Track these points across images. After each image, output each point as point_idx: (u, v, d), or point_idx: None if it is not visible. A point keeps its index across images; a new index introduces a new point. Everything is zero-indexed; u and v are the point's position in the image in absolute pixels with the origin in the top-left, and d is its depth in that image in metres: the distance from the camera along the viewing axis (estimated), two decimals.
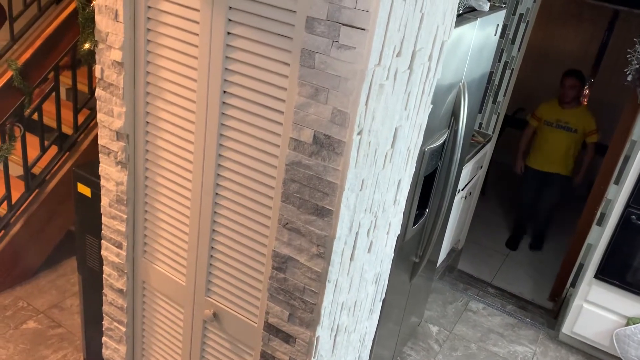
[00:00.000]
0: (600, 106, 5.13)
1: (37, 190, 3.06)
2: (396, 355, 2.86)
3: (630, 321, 2.93)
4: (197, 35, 1.48)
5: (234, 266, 1.68)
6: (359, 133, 1.35)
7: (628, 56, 3.30)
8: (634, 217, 2.74)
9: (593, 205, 3.33)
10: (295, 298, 1.56)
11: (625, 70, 3.29)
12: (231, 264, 1.69)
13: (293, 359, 1.64)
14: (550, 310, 3.61)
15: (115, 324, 2.10)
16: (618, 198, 2.87)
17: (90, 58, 1.88)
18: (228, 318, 1.76)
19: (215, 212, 1.65)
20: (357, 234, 1.59)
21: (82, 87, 3.16)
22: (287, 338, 1.63)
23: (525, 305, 3.60)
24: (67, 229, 3.19)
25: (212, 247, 1.71)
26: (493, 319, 3.32)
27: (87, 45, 2.07)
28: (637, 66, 3.22)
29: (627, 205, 2.77)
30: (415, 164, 1.90)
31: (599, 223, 3.19)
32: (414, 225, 2.24)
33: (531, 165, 4.23)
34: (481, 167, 3.72)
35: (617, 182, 3.06)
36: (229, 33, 1.43)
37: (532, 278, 4.00)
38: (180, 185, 1.71)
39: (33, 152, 3.00)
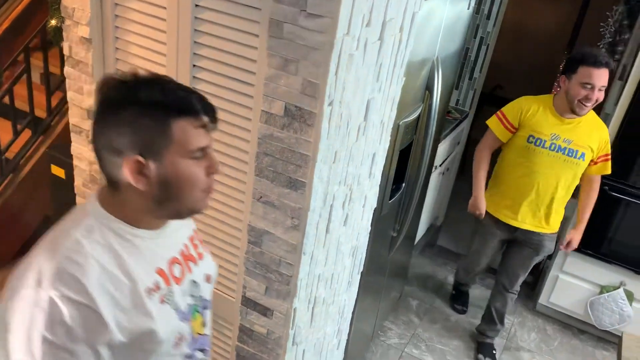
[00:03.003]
0: None
1: (11, 175, 3.01)
2: (377, 329, 2.90)
3: (603, 290, 3.01)
4: (165, 8, 1.46)
5: (210, 242, 1.69)
6: (330, 104, 1.35)
7: (601, 30, 3.35)
8: (607, 187, 2.79)
9: None
10: (272, 271, 1.58)
11: (599, 44, 3.33)
12: (207, 240, 1.69)
13: (271, 332, 1.66)
14: (527, 282, 3.68)
15: None
16: None
17: (59, 37, 1.84)
18: None
19: None
20: (331, 206, 1.60)
21: (55, 69, 3.10)
22: (265, 311, 1.64)
23: None
24: (44, 214, 3.16)
25: None
26: (472, 292, 3.38)
27: (53, 22, 2.03)
28: (610, 40, 3.27)
29: (601, 177, 2.82)
30: (389, 138, 1.91)
31: (574, 195, 3.24)
32: (390, 199, 2.26)
33: (495, 215, 2.63)
34: (458, 143, 3.75)
35: None
36: (196, 5, 1.41)
37: None
38: None
39: (6, 136, 2.95)
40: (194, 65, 1.49)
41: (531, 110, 2.47)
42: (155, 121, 0.92)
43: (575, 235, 2.63)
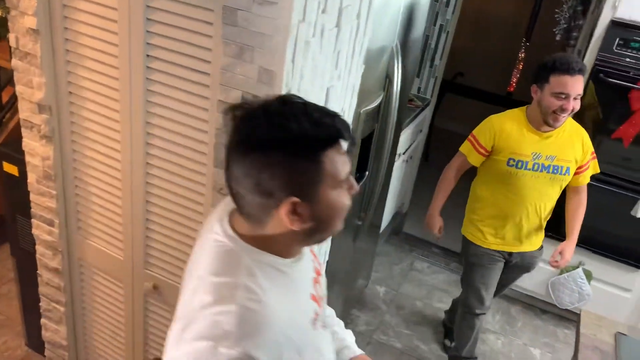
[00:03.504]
0: (533, 67, 5.30)
1: None
2: (344, 317, 2.92)
3: (563, 270, 3.10)
4: None
5: (172, 236, 1.65)
6: (288, 92, 1.33)
7: (556, 16, 3.42)
8: None
9: None
10: None
11: (554, 30, 3.41)
12: (168, 235, 1.66)
13: None
14: None
15: (53, 304, 2.04)
16: None
17: (5, 29, 1.76)
18: (169, 289, 1.74)
19: (147, 182, 1.61)
20: None
21: (5, 63, 2.99)
22: None
23: None
24: None
25: (148, 219, 1.67)
26: (437, 277, 3.43)
27: None
28: (565, 25, 3.34)
29: None
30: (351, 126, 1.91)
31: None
32: None
33: (484, 245, 2.42)
34: (421, 131, 3.79)
35: None
36: None
37: None
38: (109, 157, 1.65)
39: None
40: (148, 55, 1.45)
41: (506, 130, 2.23)
42: (308, 159, 0.87)
43: (568, 249, 2.36)
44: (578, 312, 2.59)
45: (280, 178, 0.87)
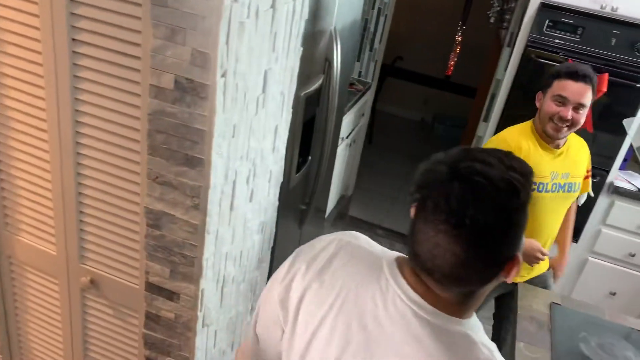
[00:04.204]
0: (471, 50, 5.44)
1: None
2: None
3: None
4: None
5: (107, 228, 1.59)
6: (223, 75, 1.30)
7: (490, 0, 3.50)
8: None
9: (466, 143, 3.56)
10: (175, 254, 1.51)
11: (488, 13, 3.49)
12: (103, 227, 1.59)
13: (179, 315, 1.60)
14: None
15: None
16: (486, 133, 3.07)
17: None
18: (107, 283, 1.67)
19: (78, 173, 1.54)
20: (234, 182, 1.56)
21: None
22: (171, 295, 1.58)
23: None
24: None
25: (81, 211, 1.60)
26: None
27: None
28: (498, 8, 3.43)
29: None
30: (291, 110, 1.89)
31: None
32: (297, 172, 2.25)
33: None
34: (363, 114, 3.81)
35: (486, 120, 3.28)
36: None
37: None
38: (36, 148, 1.56)
39: None
40: (74, 39, 1.37)
41: (523, 149, 2.04)
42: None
43: (563, 264, 2.32)
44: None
45: (519, 241, 0.88)
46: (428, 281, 0.87)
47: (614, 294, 2.97)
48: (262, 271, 2.09)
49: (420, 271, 0.87)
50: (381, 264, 0.94)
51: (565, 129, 1.97)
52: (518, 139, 2.07)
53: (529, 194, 0.83)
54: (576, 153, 2.12)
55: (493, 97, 3.19)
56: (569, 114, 1.93)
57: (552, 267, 2.31)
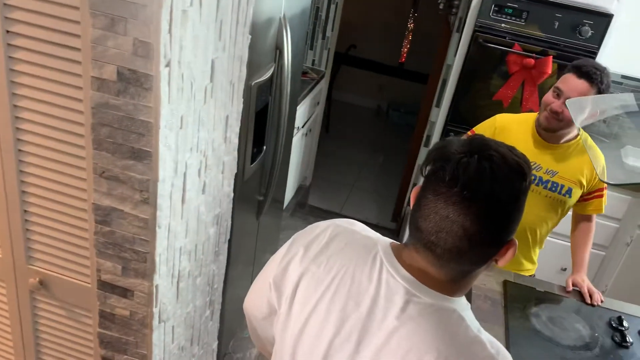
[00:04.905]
0: (423, 37, 5.51)
1: None
2: None
3: None
4: None
5: (54, 227, 1.54)
6: (167, 65, 1.27)
7: None
8: (452, 133, 3.01)
9: (420, 129, 3.60)
10: (126, 250, 1.48)
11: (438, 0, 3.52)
12: (50, 225, 1.54)
13: (134, 313, 1.57)
14: (393, 229, 3.90)
15: None
16: (438, 119, 3.12)
17: None
18: (57, 283, 1.62)
19: (21, 170, 1.48)
20: (185, 174, 1.54)
21: None
22: (125, 292, 1.55)
23: (371, 228, 3.84)
24: None
25: (25, 210, 1.54)
26: None
27: None
28: None
29: (446, 124, 3.03)
30: (242, 99, 1.87)
31: (426, 144, 3.47)
32: (252, 163, 2.23)
33: None
34: (318, 103, 3.81)
35: (438, 105, 3.33)
36: None
37: (377, 203, 4.28)
38: None
39: None
40: (8, 32, 1.31)
41: (507, 130, 2.00)
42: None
43: (586, 280, 2.04)
44: None
45: (517, 223, 0.91)
46: (426, 258, 0.89)
47: (564, 269, 3.08)
48: (219, 264, 2.07)
49: (421, 247, 0.89)
50: (376, 247, 0.97)
51: (556, 122, 1.90)
52: (510, 121, 2.05)
53: (530, 182, 0.88)
54: (577, 158, 1.98)
55: (444, 82, 3.24)
56: (560, 107, 1.86)
57: (579, 284, 2.04)
